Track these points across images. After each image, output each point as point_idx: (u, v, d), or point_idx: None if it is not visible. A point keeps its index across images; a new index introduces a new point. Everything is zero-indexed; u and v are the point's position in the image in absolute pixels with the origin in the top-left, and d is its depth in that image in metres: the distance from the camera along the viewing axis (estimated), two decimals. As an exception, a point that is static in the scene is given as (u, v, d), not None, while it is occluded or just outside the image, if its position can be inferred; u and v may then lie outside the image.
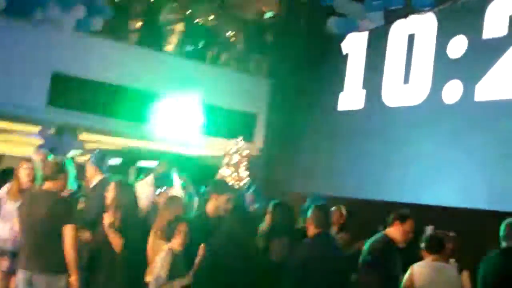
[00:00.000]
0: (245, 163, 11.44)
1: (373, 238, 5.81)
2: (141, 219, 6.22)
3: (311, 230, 5.46)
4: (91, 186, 6.81)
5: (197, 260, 5.27)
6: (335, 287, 5.31)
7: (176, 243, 5.28)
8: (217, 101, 11.80)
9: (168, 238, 5.35)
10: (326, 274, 5.22)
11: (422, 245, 5.87)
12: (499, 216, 8.34)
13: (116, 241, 5.50)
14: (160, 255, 5.26)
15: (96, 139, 12.03)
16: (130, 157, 14.00)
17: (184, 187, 7.41)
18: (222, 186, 6.43)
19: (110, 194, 5.70)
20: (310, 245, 5.45)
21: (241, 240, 5.42)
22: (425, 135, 9.31)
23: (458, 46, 9.22)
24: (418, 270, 5.58)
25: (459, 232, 8.34)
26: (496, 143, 8.45)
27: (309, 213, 5.57)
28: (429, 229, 6.88)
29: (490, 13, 8.81)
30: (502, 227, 5.80)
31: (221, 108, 11.90)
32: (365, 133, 10.36)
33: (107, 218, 5.52)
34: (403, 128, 9.77)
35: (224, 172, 11.12)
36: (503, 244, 5.70)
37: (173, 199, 6.42)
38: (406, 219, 5.77)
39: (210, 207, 6.09)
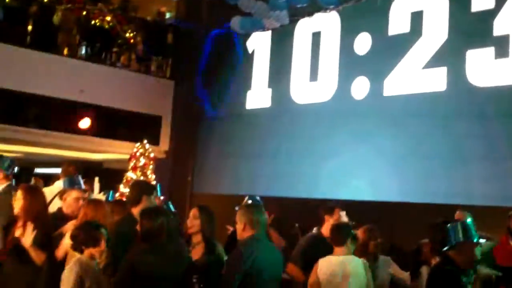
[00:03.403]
0: (151, 166, 11.25)
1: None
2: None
3: (248, 231, 4.71)
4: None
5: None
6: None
7: (88, 253, 4.39)
8: (120, 104, 11.55)
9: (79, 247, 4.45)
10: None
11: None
12: (410, 207, 8.62)
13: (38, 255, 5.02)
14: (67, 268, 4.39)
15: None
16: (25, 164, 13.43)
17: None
18: (150, 187, 5.92)
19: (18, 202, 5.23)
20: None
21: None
22: (335, 131, 9.39)
23: (363, 43, 9.38)
24: (322, 263, 5.31)
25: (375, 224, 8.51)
26: (404, 137, 8.64)
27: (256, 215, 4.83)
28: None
29: (394, 10, 9.02)
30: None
31: (124, 111, 11.62)
32: (275, 131, 10.33)
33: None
34: (312, 125, 9.79)
35: (131, 176, 10.81)
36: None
37: (95, 202, 5.71)
38: (333, 209, 5.96)
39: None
